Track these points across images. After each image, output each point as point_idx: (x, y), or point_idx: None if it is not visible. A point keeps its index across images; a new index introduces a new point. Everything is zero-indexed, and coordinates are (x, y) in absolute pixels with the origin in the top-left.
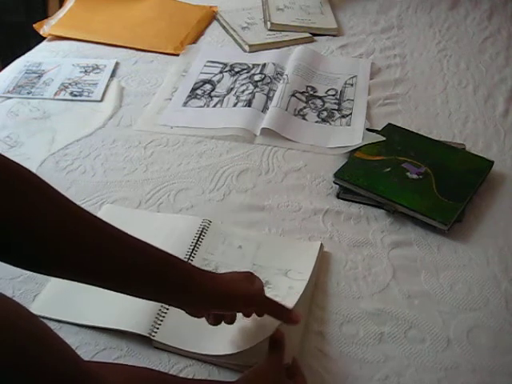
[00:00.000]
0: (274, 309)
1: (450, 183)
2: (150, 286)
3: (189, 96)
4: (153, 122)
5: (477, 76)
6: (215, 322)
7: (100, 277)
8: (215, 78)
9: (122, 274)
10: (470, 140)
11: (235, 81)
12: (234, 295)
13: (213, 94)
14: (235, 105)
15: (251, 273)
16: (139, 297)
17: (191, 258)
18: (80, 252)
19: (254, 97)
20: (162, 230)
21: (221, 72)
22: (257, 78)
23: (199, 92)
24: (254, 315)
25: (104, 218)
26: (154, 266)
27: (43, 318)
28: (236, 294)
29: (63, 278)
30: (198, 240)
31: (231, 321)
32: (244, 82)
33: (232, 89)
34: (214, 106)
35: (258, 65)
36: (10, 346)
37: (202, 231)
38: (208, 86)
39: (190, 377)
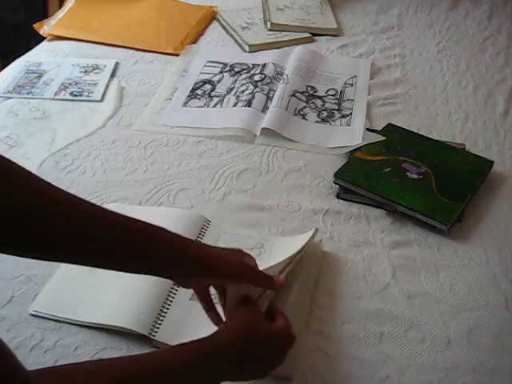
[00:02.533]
0: (261, 278)
1: (450, 183)
2: (137, 258)
3: (189, 96)
4: (153, 122)
5: (477, 76)
6: (202, 296)
7: (83, 254)
8: (215, 78)
9: (109, 250)
10: (470, 140)
11: (235, 81)
12: (224, 261)
13: (213, 94)
14: (235, 105)
15: (241, 250)
16: (130, 271)
17: None
18: (57, 232)
19: (253, 97)
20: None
21: (221, 72)
22: (257, 78)
23: (199, 92)
24: None
25: None
26: (141, 239)
27: (43, 317)
28: (226, 259)
29: (51, 258)
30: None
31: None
32: (244, 82)
33: (232, 89)
34: (214, 106)
35: (258, 65)
36: None
37: (201, 231)
38: (208, 86)
39: None
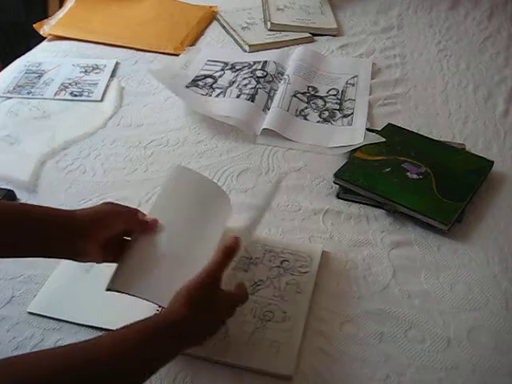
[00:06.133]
0: (134, 220)
1: (450, 183)
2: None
3: (189, 84)
4: None
5: (477, 76)
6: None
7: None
8: (216, 74)
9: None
10: (470, 140)
11: (237, 75)
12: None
13: (214, 85)
14: (238, 96)
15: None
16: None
17: None
18: None
19: (256, 92)
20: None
21: (222, 69)
22: (259, 73)
23: (200, 83)
24: None
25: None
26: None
27: (42, 315)
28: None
29: None
30: None
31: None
32: (246, 76)
33: (234, 82)
34: (217, 96)
35: (259, 62)
36: None
37: None
38: (209, 80)
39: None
